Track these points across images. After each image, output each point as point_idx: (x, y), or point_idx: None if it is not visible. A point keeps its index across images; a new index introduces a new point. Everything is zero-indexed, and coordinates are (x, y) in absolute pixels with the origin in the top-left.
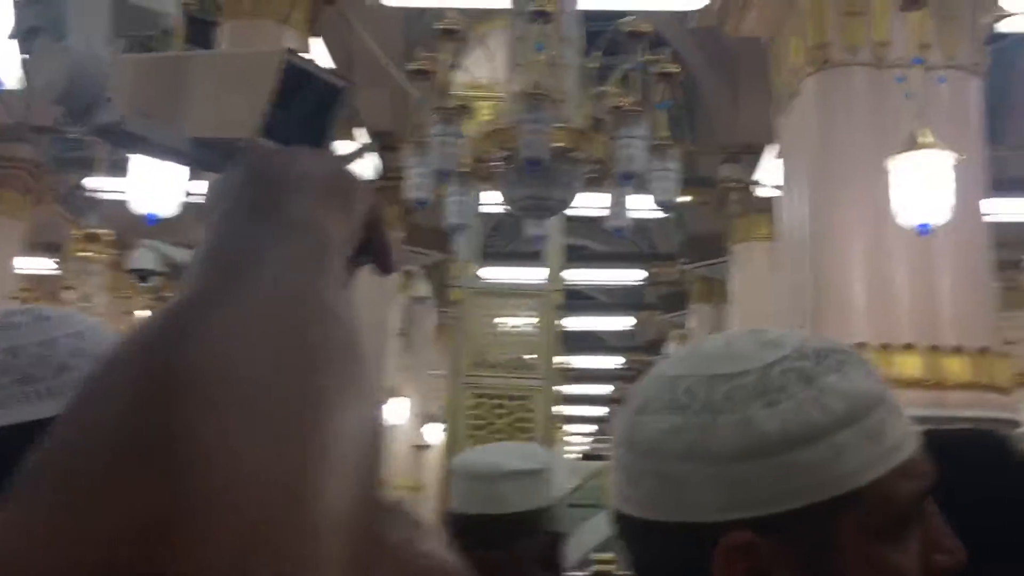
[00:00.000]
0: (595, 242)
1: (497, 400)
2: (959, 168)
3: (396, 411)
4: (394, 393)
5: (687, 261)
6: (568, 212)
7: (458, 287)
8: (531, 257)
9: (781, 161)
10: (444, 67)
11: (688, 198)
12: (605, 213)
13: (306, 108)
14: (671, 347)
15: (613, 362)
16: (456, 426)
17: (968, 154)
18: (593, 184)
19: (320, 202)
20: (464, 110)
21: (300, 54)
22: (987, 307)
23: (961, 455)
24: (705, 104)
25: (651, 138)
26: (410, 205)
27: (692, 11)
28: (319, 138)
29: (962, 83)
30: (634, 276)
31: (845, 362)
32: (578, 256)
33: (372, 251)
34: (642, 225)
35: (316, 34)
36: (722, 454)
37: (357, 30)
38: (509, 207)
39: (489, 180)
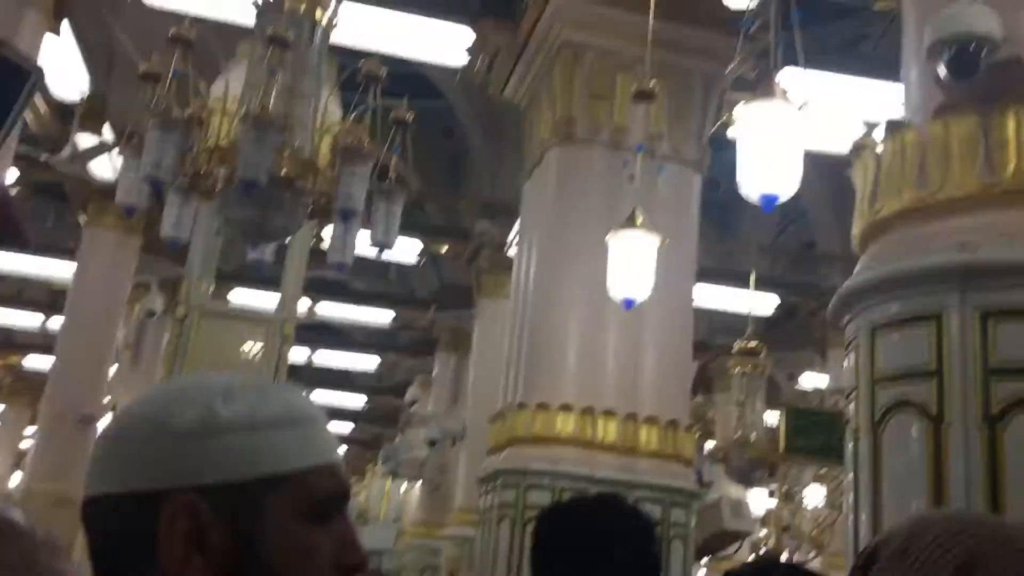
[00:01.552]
0: (355, 278)
1: None
2: (674, 253)
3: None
4: (114, 409)
5: (438, 308)
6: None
7: (182, 304)
8: (272, 283)
9: (519, 224)
10: (168, 75)
11: (444, 248)
12: (369, 252)
13: None
14: (414, 391)
15: (358, 401)
16: None
17: (683, 241)
18: (318, 216)
19: None
20: (193, 122)
21: None
22: (684, 383)
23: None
24: (470, 158)
25: (381, 180)
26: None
27: (458, 67)
28: (1, 117)
29: (685, 176)
30: (386, 317)
31: (295, 390)
32: (335, 290)
33: None
34: (401, 269)
35: (61, 16)
36: (181, 432)
37: (108, 23)
38: (228, 228)
39: (211, 197)
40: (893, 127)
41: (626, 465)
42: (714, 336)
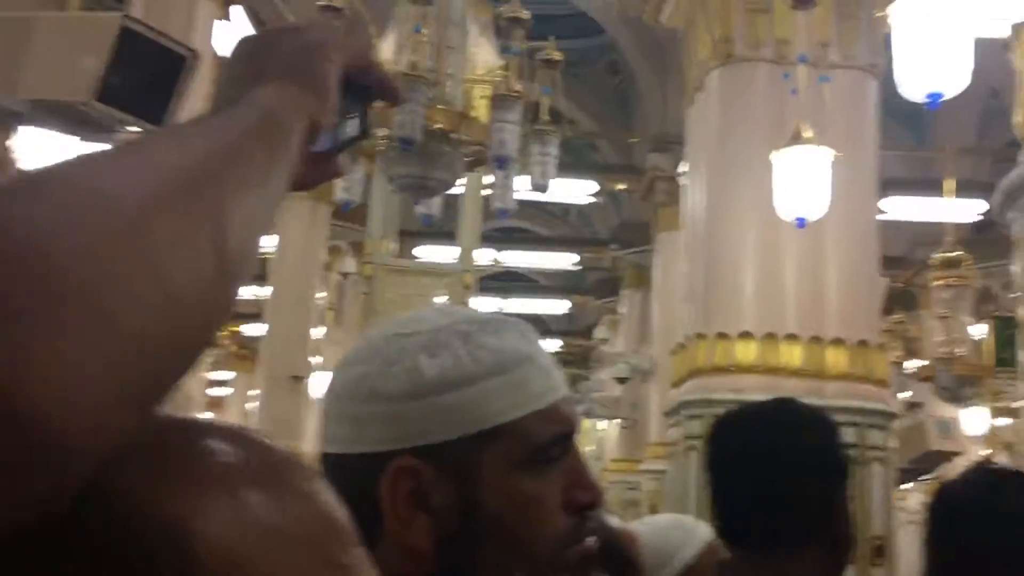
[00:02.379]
0: (536, 225)
1: None
2: (852, 165)
3: (323, 384)
4: (324, 367)
5: (618, 248)
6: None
7: (369, 263)
8: (451, 236)
9: (686, 153)
10: None
11: (622, 186)
12: (546, 197)
13: (146, 73)
14: (602, 331)
15: (552, 345)
16: None
17: (861, 152)
18: (478, 166)
19: (275, 87)
20: None
21: (141, 21)
22: (870, 302)
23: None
24: (638, 93)
25: (533, 123)
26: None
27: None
28: (162, 104)
29: (859, 82)
30: (570, 260)
31: (502, 328)
32: (519, 238)
33: (372, 88)
34: (581, 211)
35: (231, 2)
36: (393, 395)
37: (277, 5)
38: (392, 186)
39: (374, 159)
40: None
41: (814, 389)
42: (916, 250)
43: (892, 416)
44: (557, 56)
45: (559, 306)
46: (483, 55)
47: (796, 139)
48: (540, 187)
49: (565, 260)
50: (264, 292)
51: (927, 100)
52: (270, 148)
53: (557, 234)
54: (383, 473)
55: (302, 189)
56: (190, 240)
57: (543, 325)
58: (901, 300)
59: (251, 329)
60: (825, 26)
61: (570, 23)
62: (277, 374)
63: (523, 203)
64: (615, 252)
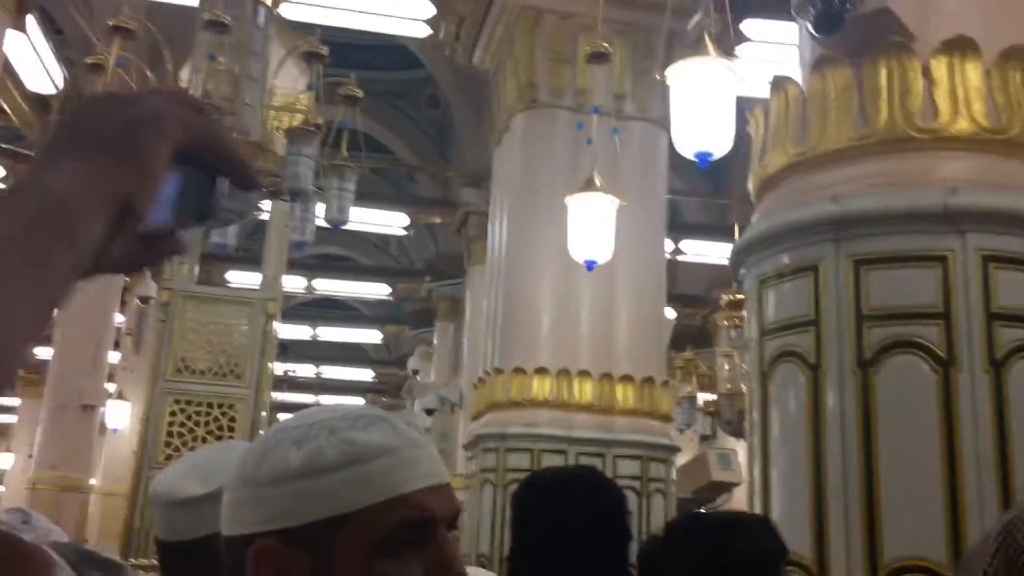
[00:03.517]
0: (354, 252)
1: (198, 407)
2: (642, 212)
3: (117, 414)
4: (119, 396)
5: (432, 279)
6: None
7: (167, 289)
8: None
9: (492, 191)
10: (111, 65)
11: (438, 219)
12: (366, 226)
13: None
14: (415, 362)
15: (366, 374)
16: (152, 433)
17: (652, 200)
18: (275, 196)
19: (80, 162)
20: None
21: None
22: (658, 341)
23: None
24: (456, 128)
25: (334, 157)
26: None
27: (423, 37)
28: None
29: (652, 134)
30: (384, 290)
31: (373, 423)
32: (335, 266)
33: (219, 170)
34: (400, 242)
35: (24, 12)
36: (261, 481)
37: (70, 15)
38: None
39: None
40: (778, 82)
41: (603, 424)
42: (712, 290)
43: (674, 450)
44: (357, 92)
45: (373, 335)
46: (285, 86)
47: (589, 186)
48: (337, 222)
49: (380, 289)
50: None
51: (697, 158)
52: (48, 240)
53: (374, 263)
54: (247, 554)
55: (135, 268)
56: None
57: (360, 353)
58: (698, 337)
59: (41, 352)
60: (623, 80)
61: (393, 55)
62: (65, 402)
63: (340, 231)
64: (429, 284)
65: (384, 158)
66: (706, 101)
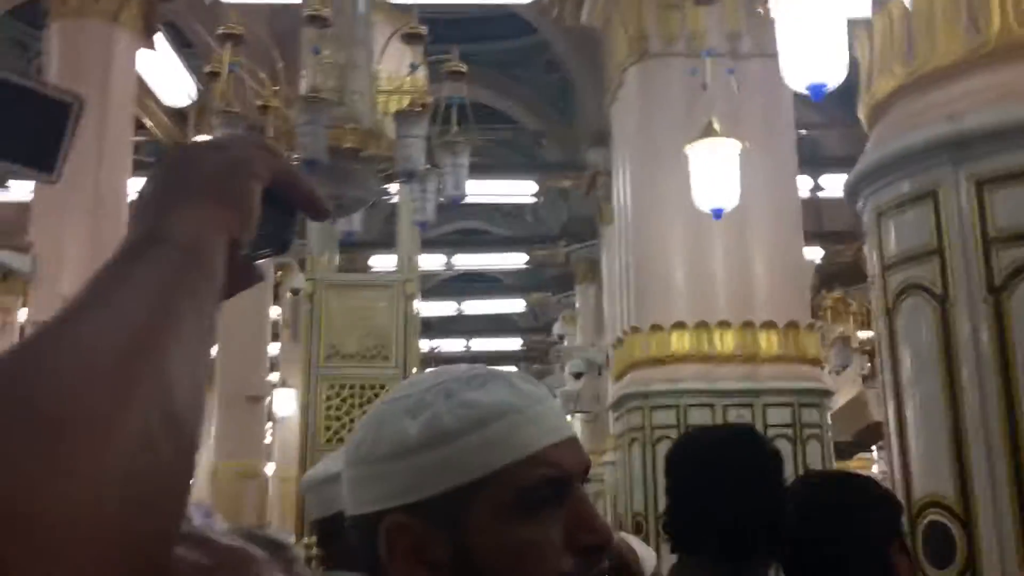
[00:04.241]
0: (491, 224)
1: (351, 390)
2: (769, 152)
3: (283, 401)
4: (283, 384)
5: (567, 243)
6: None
7: (311, 279)
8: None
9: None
10: (225, 71)
11: (567, 183)
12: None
13: (32, 123)
14: (560, 327)
15: (515, 343)
16: (312, 418)
17: (778, 139)
18: (393, 180)
19: (194, 207)
20: (267, 111)
21: (15, 71)
22: (798, 284)
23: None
24: (575, 90)
25: (442, 134)
26: None
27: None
28: (50, 151)
29: (771, 70)
30: (522, 260)
31: (489, 381)
32: (474, 240)
33: (296, 205)
34: (535, 208)
35: (151, 31)
36: (380, 457)
37: (195, 28)
38: None
39: None
40: (882, 1)
41: (748, 373)
42: (860, 224)
43: (827, 394)
44: (461, 67)
45: (517, 305)
46: (390, 69)
47: (707, 132)
48: (455, 197)
49: (519, 259)
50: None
51: (810, 91)
52: (195, 294)
53: (511, 233)
54: (378, 533)
55: (225, 298)
56: (138, 413)
57: (506, 324)
58: (851, 274)
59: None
60: (736, 18)
61: (506, 23)
62: (234, 394)
63: (476, 205)
64: (565, 248)
65: (508, 128)
66: (813, 29)
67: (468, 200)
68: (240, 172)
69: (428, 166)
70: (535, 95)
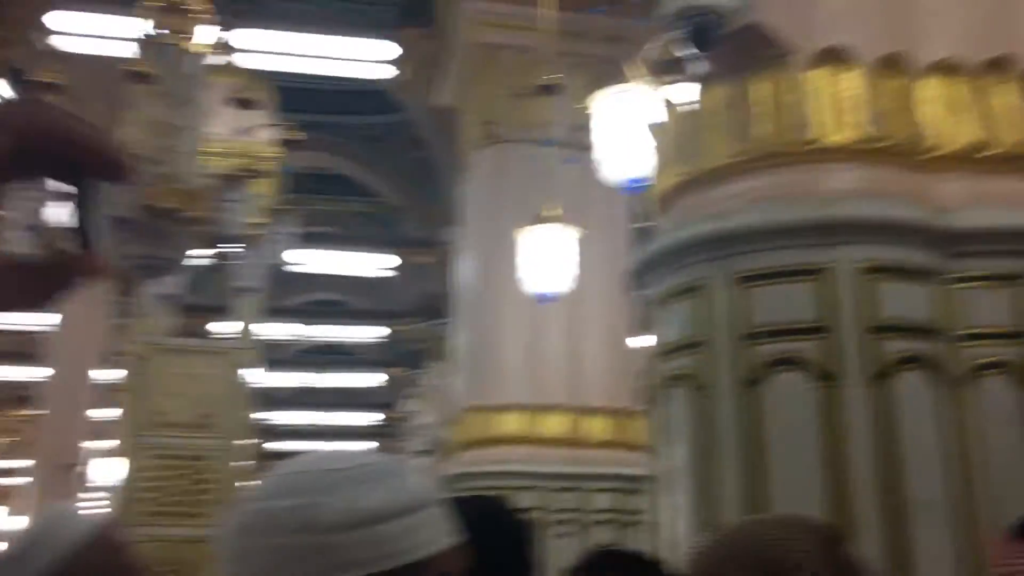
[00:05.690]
0: (349, 296)
1: (174, 460)
2: (606, 241)
3: (103, 470)
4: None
5: (424, 318)
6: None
7: (141, 342)
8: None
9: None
10: None
11: (424, 259)
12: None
13: None
14: (412, 403)
15: (374, 418)
16: (131, 487)
17: (616, 228)
18: (213, 244)
19: None
20: None
21: None
22: (628, 371)
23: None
24: (436, 168)
25: (272, 202)
26: None
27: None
28: None
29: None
30: (380, 333)
31: (415, 470)
32: (330, 312)
33: (85, 168)
34: (393, 282)
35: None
36: (329, 525)
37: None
38: (122, 265)
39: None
40: (669, 101)
41: (575, 457)
42: None
43: (652, 480)
44: (298, 136)
45: (376, 379)
46: (220, 133)
47: (542, 218)
48: (277, 264)
49: (377, 332)
50: (42, 373)
51: (627, 187)
52: None
53: (372, 306)
54: None
55: (31, 305)
56: None
57: (363, 397)
58: None
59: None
60: (581, 110)
61: (374, 99)
62: (52, 460)
63: (337, 277)
64: (421, 324)
65: (370, 201)
66: (628, 128)
67: (327, 271)
68: None
69: (262, 232)
70: (399, 170)
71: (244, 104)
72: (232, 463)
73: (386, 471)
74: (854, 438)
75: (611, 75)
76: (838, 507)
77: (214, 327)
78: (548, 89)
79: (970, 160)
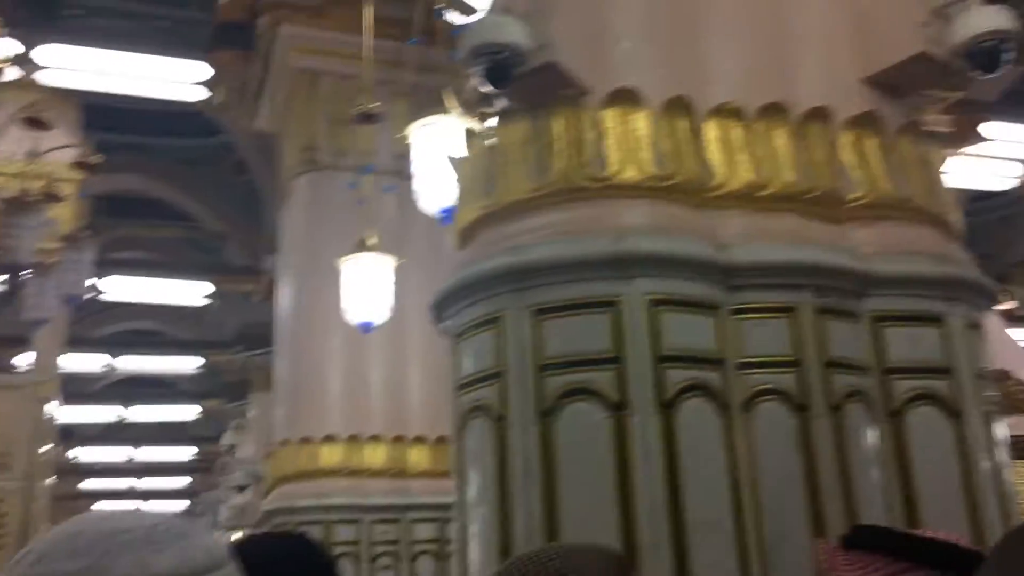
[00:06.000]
0: (167, 326)
1: None
2: (428, 270)
3: None
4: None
5: (246, 348)
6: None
7: None
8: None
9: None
10: None
11: (246, 287)
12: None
13: None
14: (230, 436)
15: (188, 452)
16: None
17: (435, 257)
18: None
19: None
20: None
21: None
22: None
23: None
24: (261, 193)
25: (70, 227)
26: None
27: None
28: None
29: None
30: (197, 363)
31: (206, 529)
32: (145, 342)
33: None
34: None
35: None
36: None
37: None
38: None
39: None
40: (470, 135)
41: (397, 488)
42: None
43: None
44: (94, 160)
45: (191, 412)
46: (12, 153)
47: (361, 247)
48: (72, 295)
49: (193, 363)
50: None
51: (441, 215)
52: None
53: (189, 336)
54: None
55: None
56: None
57: (178, 431)
58: None
59: None
60: (402, 139)
61: (191, 121)
62: None
63: (149, 305)
64: (241, 354)
65: (188, 227)
66: (442, 158)
67: (139, 299)
68: None
69: (57, 259)
70: (220, 195)
71: (37, 124)
72: (33, 504)
73: (177, 532)
74: (643, 464)
75: (432, 104)
76: (628, 532)
77: (17, 360)
78: (368, 117)
79: (749, 198)
